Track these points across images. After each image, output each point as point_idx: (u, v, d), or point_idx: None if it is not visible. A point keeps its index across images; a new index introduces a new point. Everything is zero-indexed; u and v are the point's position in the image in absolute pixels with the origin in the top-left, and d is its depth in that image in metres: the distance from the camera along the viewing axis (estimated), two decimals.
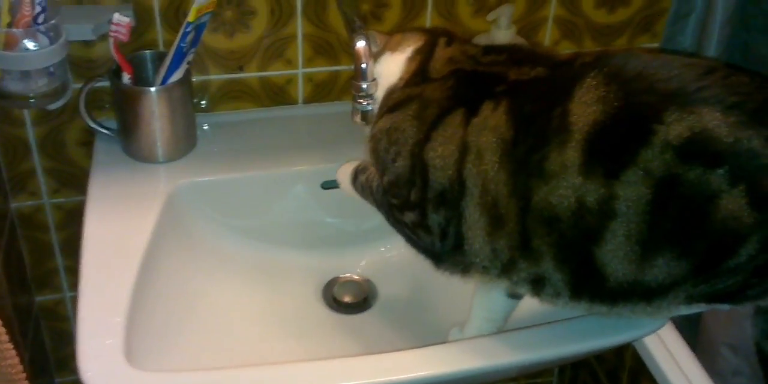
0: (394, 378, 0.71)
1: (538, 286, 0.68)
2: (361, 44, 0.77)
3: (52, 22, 0.84)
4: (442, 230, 0.72)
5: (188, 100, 0.95)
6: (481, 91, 0.69)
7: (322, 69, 1.03)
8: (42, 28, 0.84)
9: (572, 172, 0.63)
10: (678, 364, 0.96)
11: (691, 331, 1.07)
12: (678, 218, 0.61)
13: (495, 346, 0.74)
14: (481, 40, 1.00)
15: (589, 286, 0.66)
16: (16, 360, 0.77)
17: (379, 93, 0.79)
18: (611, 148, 0.62)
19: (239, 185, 0.94)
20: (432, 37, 0.79)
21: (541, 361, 0.78)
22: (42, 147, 1.00)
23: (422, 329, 0.90)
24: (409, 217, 0.74)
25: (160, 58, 0.92)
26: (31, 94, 0.88)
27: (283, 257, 0.97)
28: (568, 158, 0.63)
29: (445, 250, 0.73)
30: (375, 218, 0.81)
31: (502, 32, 0.99)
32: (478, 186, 0.68)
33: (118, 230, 0.84)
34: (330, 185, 0.91)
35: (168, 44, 0.93)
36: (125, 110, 0.93)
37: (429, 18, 1.02)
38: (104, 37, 0.90)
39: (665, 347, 0.98)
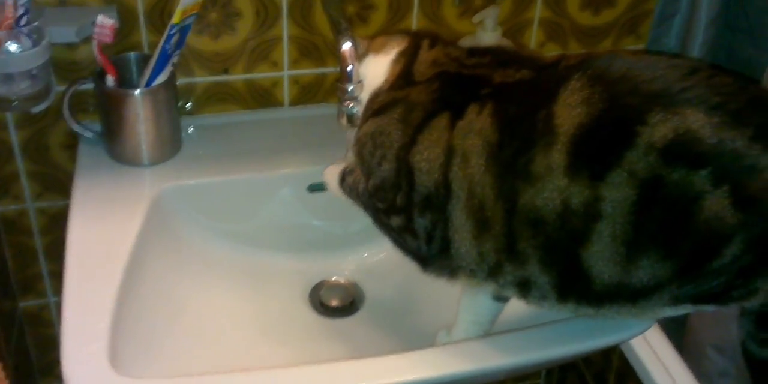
0: (382, 382, 0.71)
1: (524, 288, 0.68)
2: (346, 46, 0.77)
3: (35, 24, 0.84)
4: (428, 234, 0.71)
5: (173, 103, 0.95)
6: (466, 94, 0.69)
7: (307, 71, 1.03)
8: (25, 30, 0.83)
9: (558, 175, 0.63)
10: (664, 366, 0.96)
11: (677, 332, 1.07)
12: (662, 219, 0.61)
13: (483, 350, 0.74)
14: (467, 42, 1.00)
15: (576, 288, 0.66)
16: (0, 366, 0.76)
17: (364, 95, 0.79)
18: (596, 150, 0.62)
19: (225, 188, 0.94)
20: (415, 39, 0.79)
21: (528, 364, 0.78)
22: (25, 150, 0.99)
23: (410, 332, 0.90)
24: (395, 221, 0.74)
25: (144, 60, 0.92)
26: (14, 97, 0.87)
27: (270, 261, 0.96)
28: (553, 160, 0.63)
29: (432, 254, 0.72)
30: (362, 221, 0.81)
31: (488, 34, 0.99)
32: (464, 189, 0.67)
33: (103, 234, 0.83)
34: (316, 188, 0.91)
35: (153, 46, 0.92)
36: (109, 113, 0.93)
37: (415, 20, 1.02)
38: (88, 39, 0.89)
39: (651, 349, 0.98)
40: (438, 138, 0.69)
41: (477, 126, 0.67)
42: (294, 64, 1.02)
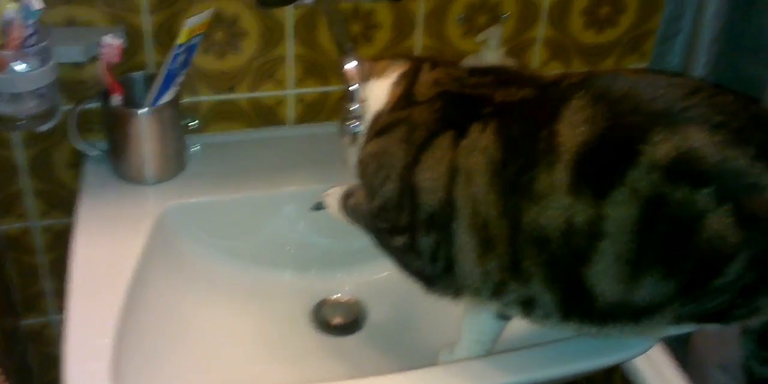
0: None
1: (528, 307, 0.68)
2: (350, 66, 0.78)
3: (43, 44, 0.84)
4: (432, 253, 0.71)
5: (178, 122, 0.95)
6: (469, 113, 0.70)
7: (312, 90, 1.04)
8: (32, 50, 0.84)
9: (561, 193, 0.63)
10: None
11: (680, 351, 1.06)
12: (665, 238, 0.61)
13: (485, 369, 0.73)
14: (471, 60, 1.01)
15: (579, 306, 0.66)
16: None
17: (367, 116, 0.79)
18: (599, 169, 0.62)
19: (229, 206, 0.94)
20: (416, 62, 0.79)
21: (531, 383, 0.78)
22: (31, 169, 1.00)
23: (412, 351, 0.89)
24: (399, 241, 0.74)
25: (150, 79, 0.92)
26: (21, 116, 0.87)
27: (273, 279, 0.96)
28: (556, 179, 0.63)
29: (436, 274, 0.72)
30: (365, 239, 0.81)
31: (492, 53, 0.99)
32: (468, 208, 0.68)
33: (107, 252, 0.83)
34: (321, 207, 0.91)
35: (159, 65, 0.93)
36: (115, 132, 0.93)
37: (419, 39, 1.03)
38: (95, 58, 0.90)
39: (655, 368, 0.97)
40: (441, 157, 0.69)
41: (480, 145, 0.67)
42: (299, 82, 1.02)
